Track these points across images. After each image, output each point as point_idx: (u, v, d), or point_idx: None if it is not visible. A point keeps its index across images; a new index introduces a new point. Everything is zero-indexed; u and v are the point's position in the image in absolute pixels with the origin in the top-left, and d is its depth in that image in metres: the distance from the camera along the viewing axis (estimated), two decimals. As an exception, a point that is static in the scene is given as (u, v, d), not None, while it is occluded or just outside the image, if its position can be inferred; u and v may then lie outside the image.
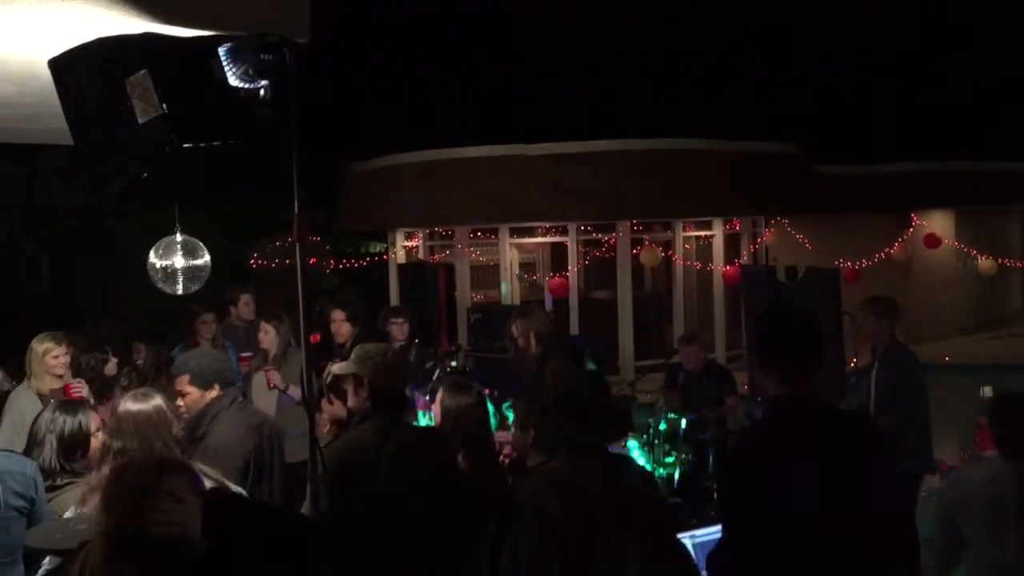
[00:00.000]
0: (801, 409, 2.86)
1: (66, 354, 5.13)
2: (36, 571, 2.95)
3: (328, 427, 3.83)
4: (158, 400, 3.51)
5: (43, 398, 4.91)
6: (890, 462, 2.96)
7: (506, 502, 3.26)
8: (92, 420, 3.76)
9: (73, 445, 3.67)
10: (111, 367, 5.78)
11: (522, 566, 2.73)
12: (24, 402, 4.95)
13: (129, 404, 3.46)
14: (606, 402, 3.16)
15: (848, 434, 2.88)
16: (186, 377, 4.04)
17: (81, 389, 4.96)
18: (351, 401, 3.56)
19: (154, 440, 3.34)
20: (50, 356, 5.06)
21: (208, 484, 2.79)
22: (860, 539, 2.73)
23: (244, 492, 3.57)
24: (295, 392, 5.96)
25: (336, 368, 3.70)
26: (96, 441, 3.66)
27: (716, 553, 2.88)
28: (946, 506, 3.68)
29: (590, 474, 2.86)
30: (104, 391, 5.36)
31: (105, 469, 3.20)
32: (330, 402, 3.84)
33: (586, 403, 2.96)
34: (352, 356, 3.60)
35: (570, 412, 2.92)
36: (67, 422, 3.69)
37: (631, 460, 3.21)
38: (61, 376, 5.09)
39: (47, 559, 2.89)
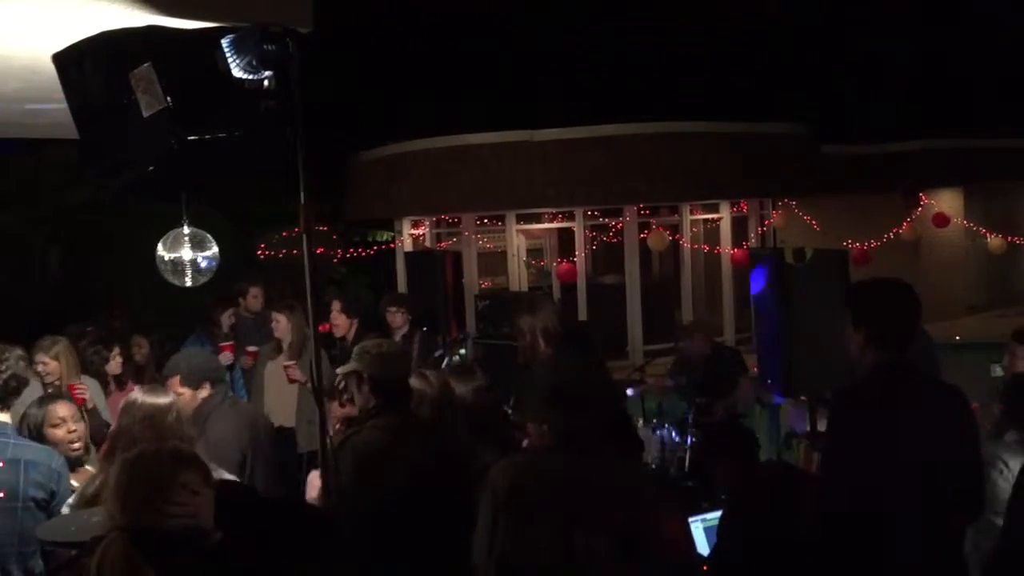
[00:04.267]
0: (904, 373, 3.07)
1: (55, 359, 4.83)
2: (55, 564, 2.97)
3: (339, 425, 3.79)
4: (171, 396, 3.54)
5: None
6: (975, 431, 3.15)
7: None
8: (59, 412, 3.91)
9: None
10: (115, 364, 5.62)
11: (476, 538, 2.72)
12: None
13: (143, 396, 3.46)
14: (600, 389, 3.12)
15: (946, 400, 3.07)
16: (177, 378, 4.04)
17: (84, 392, 4.70)
18: (357, 400, 3.50)
19: (167, 437, 3.32)
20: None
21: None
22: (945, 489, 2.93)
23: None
24: None
25: (340, 370, 3.65)
26: (58, 433, 3.86)
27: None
28: None
29: (575, 466, 2.74)
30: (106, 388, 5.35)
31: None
32: (342, 405, 3.78)
33: (578, 393, 2.86)
34: (352, 354, 3.57)
35: (561, 402, 2.81)
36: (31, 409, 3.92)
37: (636, 464, 3.15)
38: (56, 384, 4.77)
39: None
